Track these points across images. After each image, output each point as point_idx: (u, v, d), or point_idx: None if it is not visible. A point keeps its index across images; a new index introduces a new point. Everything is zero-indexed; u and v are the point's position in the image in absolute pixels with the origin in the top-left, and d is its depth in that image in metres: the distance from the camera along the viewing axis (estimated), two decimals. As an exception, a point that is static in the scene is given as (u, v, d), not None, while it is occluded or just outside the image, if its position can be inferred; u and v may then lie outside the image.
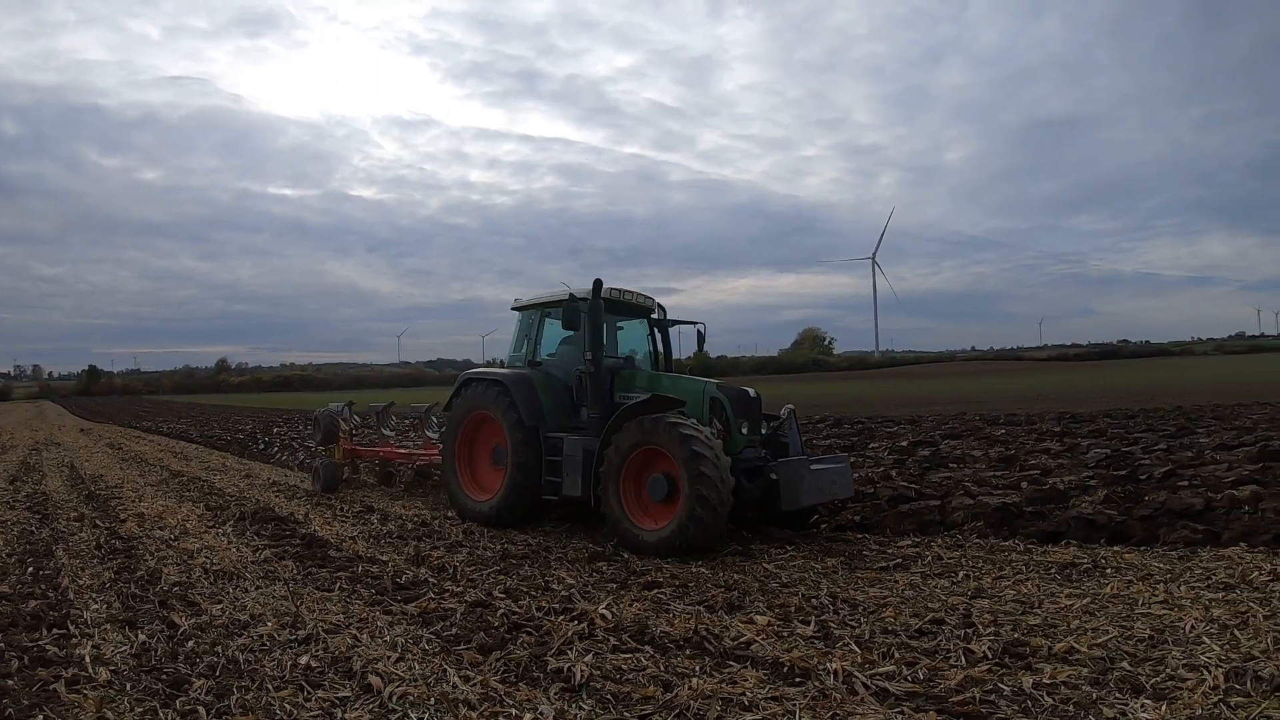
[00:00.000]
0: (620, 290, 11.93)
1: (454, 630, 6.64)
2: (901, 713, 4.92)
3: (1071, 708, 5.00)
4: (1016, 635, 6.32)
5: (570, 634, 6.42)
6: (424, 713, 5.05)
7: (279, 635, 6.57)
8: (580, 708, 5.12)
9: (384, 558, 9.53)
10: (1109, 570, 8.25)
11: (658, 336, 12.84)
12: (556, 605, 7.32)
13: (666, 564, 9.12)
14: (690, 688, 5.29)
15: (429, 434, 16.99)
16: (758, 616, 6.92)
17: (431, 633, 6.62)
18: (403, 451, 16.66)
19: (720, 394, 10.67)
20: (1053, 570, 8.37)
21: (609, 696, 5.26)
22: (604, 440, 10.29)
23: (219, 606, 7.43)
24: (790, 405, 11.65)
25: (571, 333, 11.95)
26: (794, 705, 5.04)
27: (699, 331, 12.82)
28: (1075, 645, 6.03)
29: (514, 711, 5.05)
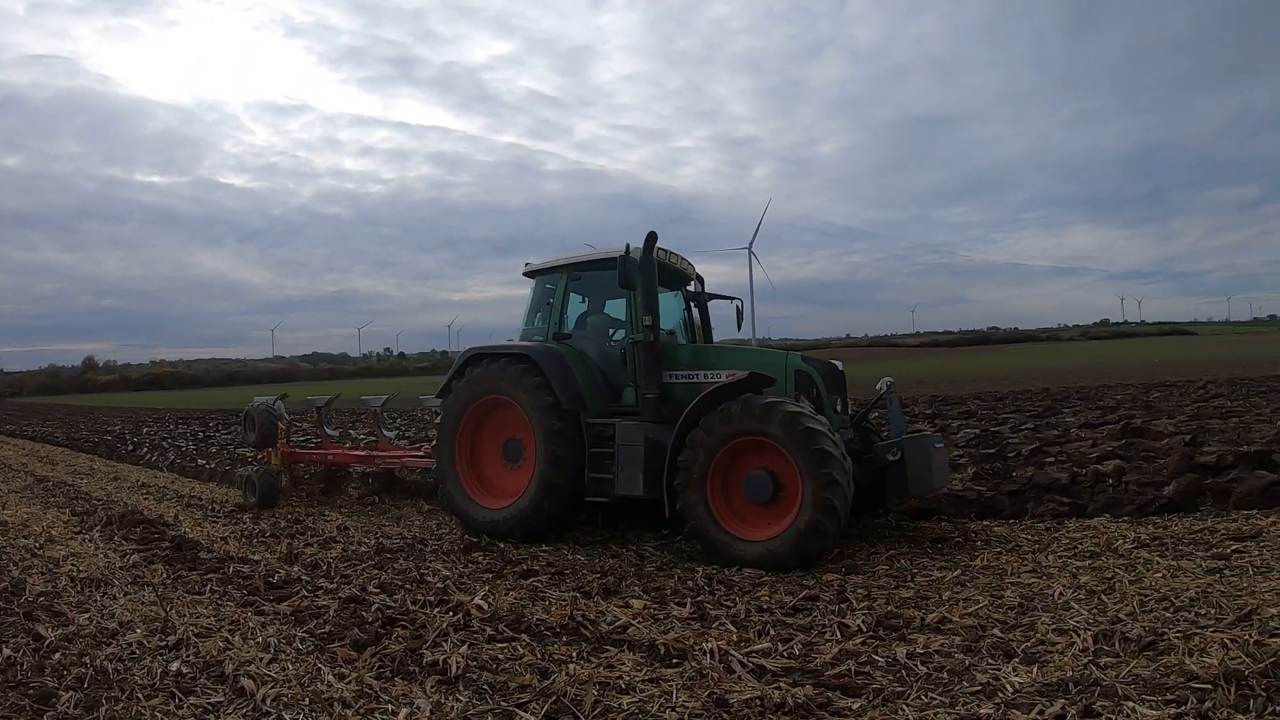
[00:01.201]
0: (665, 251, 10.13)
1: (328, 628, 6.48)
2: (778, 688, 4.97)
3: (945, 675, 5.14)
4: (890, 608, 6.50)
5: (446, 626, 6.32)
6: (298, 714, 4.91)
7: (148, 642, 6.30)
8: (457, 700, 5.04)
9: (256, 557, 9.25)
10: (979, 543, 8.56)
11: (694, 311, 11.25)
12: (432, 598, 7.23)
13: (543, 552, 9.08)
14: (567, 674, 5.27)
15: (385, 433, 15.09)
16: (634, 600, 6.96)
17: (305, 631, 6.44)
18: (357, 454, 14.06)
19: (807, 367, 9.42)
20: (925, 545, 8.64)
21: (485, 687, 5.20)
22: (683, 427, 8.69)
23: (86, 615, 7.08)
24: (889, 378, 10.04)
25: (591, 302, 10.82)
26: (671, 686, 5.06)
27: (737, 307, 11.32)
28: (947, 615, 6.22)
29: (390, 707, 4.94)
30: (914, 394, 30.46)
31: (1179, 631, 5.55)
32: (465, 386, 10.29)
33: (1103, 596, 6.59)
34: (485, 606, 6.80)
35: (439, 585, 7.69)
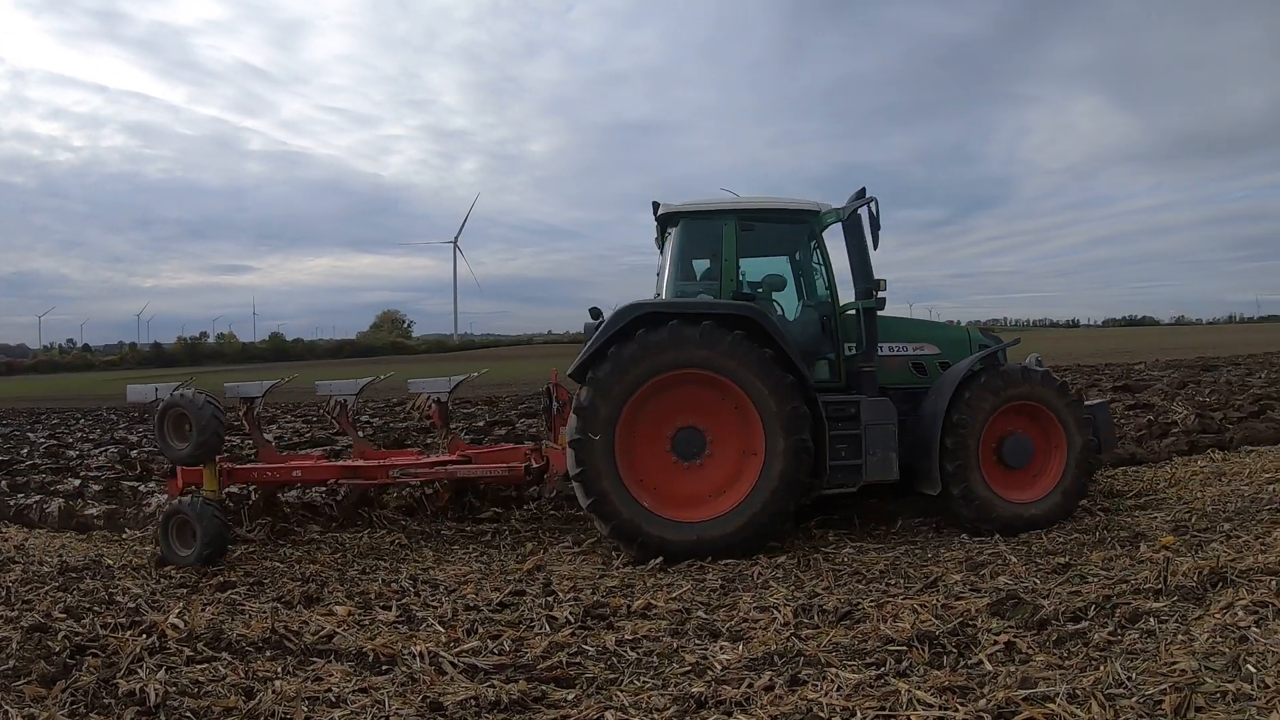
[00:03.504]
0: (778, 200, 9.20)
1: (11, 663, 5.91)
2: (492, 686, 5.09)
3: (655, 658, 5.46)
4: (596, 598, 6.79)
5: (140, 650, 5.91)
6: (-18, 765, 4.56)
7: None
8: (159, 730, 4.82)
9: (-79, 587, 8.34)
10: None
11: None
12: (123, 619, 6.70)
13: (238, 561, 8.58)
14: (274, 691, 5.12)
15: (356, 433, 11.15)
16: (338, 607, 6.83)
17: (-15, 670, 5.90)
18: (341, 465, 10.05)
19: (987, 340, 9.32)
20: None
21: (188, 713, 4.97)
22: (953, 400, 8.33)
23: None
24: (1036, 354, 9.68)
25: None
26: (383, 694, 5.05)
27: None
28: (653, 601, 6.58)
29: (86, 746, 4.67)
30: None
31: (872, 601, 6.22)
32: (640, 356, 7.99)
33: (799, 573, 7.20)
34: (181, 625, 6.39)
35: (130, 605, 7.15)
